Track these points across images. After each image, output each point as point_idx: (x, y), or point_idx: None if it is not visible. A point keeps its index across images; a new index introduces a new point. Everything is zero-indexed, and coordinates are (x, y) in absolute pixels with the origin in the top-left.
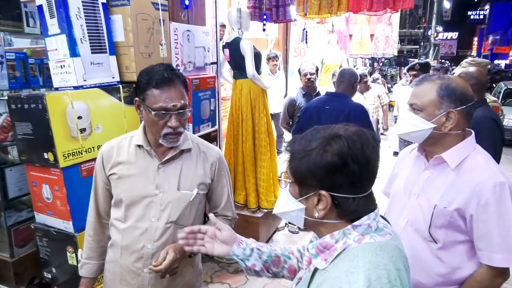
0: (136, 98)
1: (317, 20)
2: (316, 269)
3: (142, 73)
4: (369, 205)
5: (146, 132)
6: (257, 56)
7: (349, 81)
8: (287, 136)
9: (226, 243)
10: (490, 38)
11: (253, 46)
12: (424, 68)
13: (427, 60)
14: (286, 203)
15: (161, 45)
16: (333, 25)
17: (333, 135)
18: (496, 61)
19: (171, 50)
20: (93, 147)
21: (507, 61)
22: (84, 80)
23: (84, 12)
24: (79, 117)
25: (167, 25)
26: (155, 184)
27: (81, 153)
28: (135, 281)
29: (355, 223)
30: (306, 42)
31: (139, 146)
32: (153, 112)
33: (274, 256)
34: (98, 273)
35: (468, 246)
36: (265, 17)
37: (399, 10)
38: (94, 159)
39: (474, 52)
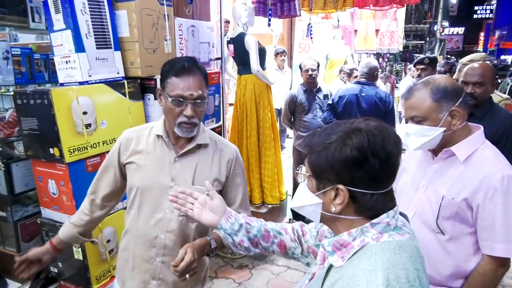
0: (159, 87)
1: (322, 15)
2: (331, 266)
3: (166, 63)
4: (389, 202)
5: (166, 124)
6: (262, 52)
7: (371, 71)
8: (290, 131)
9: (214, 212)
10: (497, 33)
11: (258, 42)
12: (433, 62)
13: (435, 55)
14: (303, 197)
15: (166, 40)
16: (338, 20)
17: (354, 129)
18: (502, 56)
19: (176, 45)
20: (98, 143)
21: None
22: (89, 76)
23: (89, 8)
24: (84, 113)
25: (171, 21)
26: (170, 176)
27: (87, 149)
28: (147, 269)
29: (374, 220)
30: (311, 38)
31: (158, 136)
32: (170, 99)
33: (263, 231)
34: (71, 241)
35: (474, 238)
36: (270, 12)
37: (405, 5)
38: (99, 155)
39: (480, 48)
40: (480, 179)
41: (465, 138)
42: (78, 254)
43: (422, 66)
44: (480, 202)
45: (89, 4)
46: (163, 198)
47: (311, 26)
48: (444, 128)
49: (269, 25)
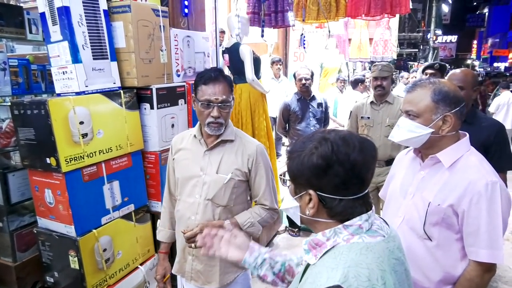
0: (193, 94)
1: (316, 25)
2: (308, 264)
3: (198, 75)
4: (360, 207)
5: (200, 126)
6: (256, 61)
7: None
8: (286, 139)
9: (240, 248)
10: (489, 41)
11: (252, 51)
12: (443, 69)
13: (443, 63)
14: (287, 200)
15: (162, 50)
16: (329, 31)
17: (322, 138)
18: (495, 64)
19: (172, 55)
20: (94, 152)
21: (507, 64)
22: (86, 86)
23: (86, 19)
24: (81, 122)
25: (167, 31)
26: (200, 166)
27: (83, 158)
28: (184, 246)
29: (346, 223)
30: (304, 47)
31: (195, 136)
32: (199, 104)
33: (287, 266)
34: (170, 239)
35: (461, 244)
36: (263, 22)
37: (396, 15)
38: (95, 164)
39: (473, 55)
40: (465, 185)
41: (451, 145)
42: (74, 263)
43: (432, 71)
44: (465, 208)
45: (86, 16)
46: (194, 186)
47: (304, 36)
48: (433, 130)
49: (262, 35)
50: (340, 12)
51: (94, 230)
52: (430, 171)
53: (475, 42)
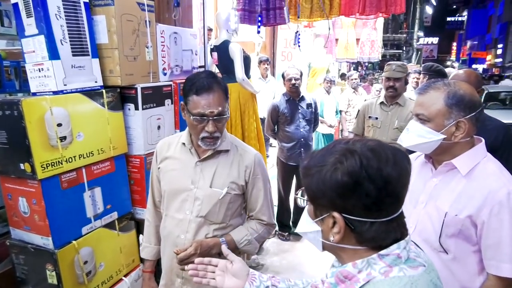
0: (182, 102)
1: (304, 24)
2: None
3: (187, 80)
4: (395, 231)
5: (190, 133)
6: (247, 60)
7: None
8: (273, 139)
9: (237, 276)
10: (468, 43)
11: (243, 50)
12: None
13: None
14: (305, 222)
15: (147, 47)
16: (329, 28)
17: (347, 150)
18: (474, 65)
19: (158, 53)
20: (74, 157)
21: (485, 66)
22: (65, 85)
23: (65, 12)
24: (59, 125)
25: (153, 27)
26: (191, 179)
27: (61, 163)
28: (172, 268)
29: (382, 252)
30: (299, 46)
31: (183, 143)
32: (192, 117)
33: None
34: (157, 256)
35: (478, 257)
36: (260, 18)
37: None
38: (75, 170)
39: (453, 57)
40: (484, 194)
41: (467, 151)
42: (52, 278)
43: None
44: (485, 219)
45: (64, 8)
46: (184, 200)
47: (299, 34)
48: (444, 136)
49: (258, 32)
50: (334, 11)
51: (74, 241)
52: (444, 178)
53: (454, 44)
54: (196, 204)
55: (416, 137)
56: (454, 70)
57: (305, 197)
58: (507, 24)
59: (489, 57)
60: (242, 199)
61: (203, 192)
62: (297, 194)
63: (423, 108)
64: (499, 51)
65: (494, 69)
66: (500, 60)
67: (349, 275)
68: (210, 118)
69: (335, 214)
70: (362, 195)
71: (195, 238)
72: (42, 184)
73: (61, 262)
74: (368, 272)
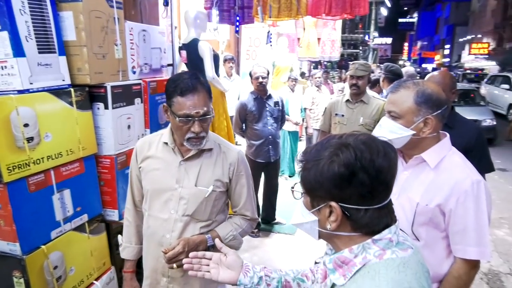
0: (165, 104)
1: (269, 23)
2: (333, 284)
3: (170, 81)
4: (386, 217)
5: (172, 132)
6: (216, 58)
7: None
8: (239, 138)
9: (231, 268)
10: (419, 43)
11: (212, 48)
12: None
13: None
14: (301, 214)
15: (116, 45)
16: (304, 29)
17: (341, 144)
18: (423, 65)
19: (127, 50)
20: (42, 158)
21: (434, 65)
22: (31, 83)
23: (30, 7)
24: (26, 125)
25: (122, 24)
26: (175, 178)
27: (29, 165)
28: (157, 267)
29: (375, 237)
30: (271, 44)
31: (165, 143)
32: (177, 118)
33: (284, 281)
34: (137, 255)
35: (446, 243)
36: (238, 18)
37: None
38: (43, 172)
39: (405, 56)
40: (451, 185)
41: (434, 145)
42: (19, 286)
43: (386, 73)
44: (452, 207)
45: (29, 3)
46: (168, 200)
47: (271, 34)
48: (414, 132)
49: (236, 31)
50: (301, 11)
51: (42, 246)
52: (414, 171)
53: (406, 44)
54: (181, 203)
55: (388, 132)
56: (412, 68)
57: (301, 190)
58: (453, 26)
59: (437, 57)
60: (226, 196)
61: (188, 191)
62: (293, 187)
63: (395, 106)
64: (447, 51)
65: (442, 68)
66: (447, 59)
67: (346, 260)
68: (196, 118)
69: (332, 203)
70: (357, 184)
71: (181, 236)
72: (8, 187)
73: (30, 268)
74: (364, 256)
